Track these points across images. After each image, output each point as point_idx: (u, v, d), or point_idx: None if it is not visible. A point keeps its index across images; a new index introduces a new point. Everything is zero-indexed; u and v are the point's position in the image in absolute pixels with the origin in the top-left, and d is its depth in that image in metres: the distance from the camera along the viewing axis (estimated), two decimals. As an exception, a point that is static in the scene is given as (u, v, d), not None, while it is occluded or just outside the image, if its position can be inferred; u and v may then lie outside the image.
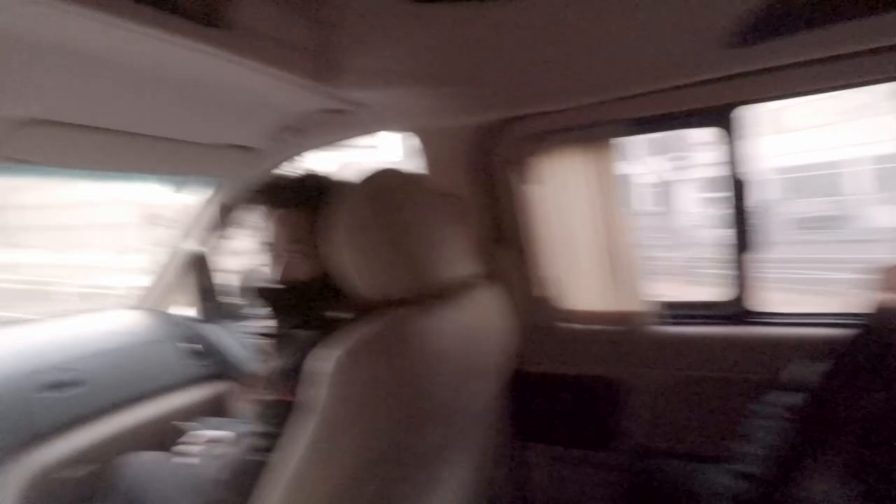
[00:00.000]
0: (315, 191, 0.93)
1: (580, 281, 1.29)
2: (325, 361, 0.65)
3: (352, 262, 0.76)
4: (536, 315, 1.36)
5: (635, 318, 1.25)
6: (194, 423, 1.27)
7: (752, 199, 1.15)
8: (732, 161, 1.15)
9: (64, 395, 1.31)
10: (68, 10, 0.59)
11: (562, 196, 1.27)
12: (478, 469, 1.01)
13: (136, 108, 1.01)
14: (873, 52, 0.88)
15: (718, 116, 1.14)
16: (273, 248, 0.94)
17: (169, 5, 0.68)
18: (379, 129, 1.30)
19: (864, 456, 0.73)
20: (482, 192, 1.33)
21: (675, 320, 1.27)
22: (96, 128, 1.05)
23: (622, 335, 1.27)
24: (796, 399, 0.81)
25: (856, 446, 0.74)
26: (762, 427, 0.88)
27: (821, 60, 0.91)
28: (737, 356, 1.16)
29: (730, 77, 0.98)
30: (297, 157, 1.47)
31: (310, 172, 0.98)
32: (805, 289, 6.02)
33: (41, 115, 0.94)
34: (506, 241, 1.35)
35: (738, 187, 1.15)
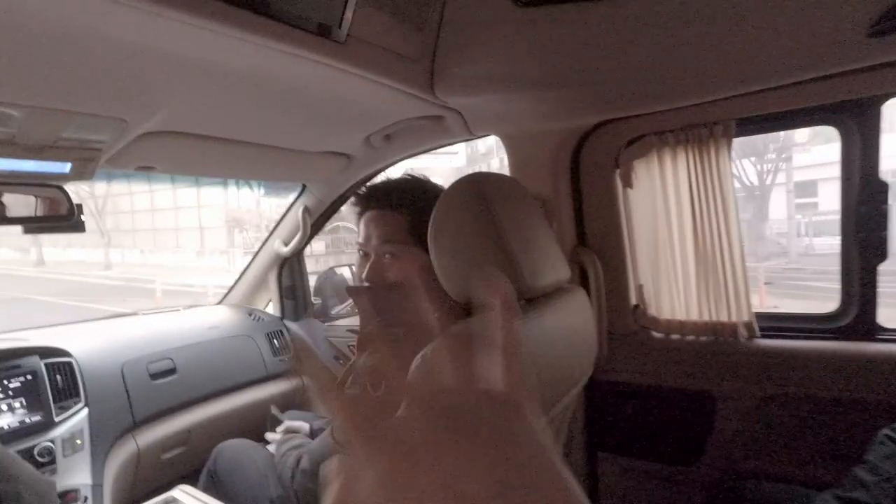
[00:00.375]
0: (409, 194, 0.94)
1: (673, 289, 1.22)
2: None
3: (444, 264, 0.76)
4: (621, 322, 1.30)
5: (730, 329, 1.16)
6: (277, 414, 1.32)
7: (886, 202, 1.03)
8: (863, 160, 1.03)
9: (161, 382, 1.41)
10: (192, 24, 0.62)
11: (659, 200, 1.20)
12: None
13: (249, 118, 1.07)
14: None
15: (848, 112, 1.03)
16: (364, 247, 0.96)
17: (290, 19, 0.70)
18: (467, 136, 1.29)
19: None
20: (570, 196, 1.29)
21: (774, 333, 1.17)
22: (210, 137, 1.12)
23: (715, 347, 1.19)
24: None
25: None
26: (889, 455, 0.79)
27: None
28: (852, 375, 1.05)
29: (870, 68, 0.89)
30: (385, 163, 1.50)
31: (406, 176, 0.99)
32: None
33: (165, 127, 1.01)
34: (592, 246, 1.30)
35: (868, 189, 1.03)
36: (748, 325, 1.15)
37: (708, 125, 1.09)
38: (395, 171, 1.50)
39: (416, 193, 0.93)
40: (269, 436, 1.30)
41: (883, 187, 1.02)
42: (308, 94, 0.96)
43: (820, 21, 0.78)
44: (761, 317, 1.18)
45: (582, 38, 0.88)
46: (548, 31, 0.88)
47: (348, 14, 0.77)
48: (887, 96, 0.98)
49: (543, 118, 1.14)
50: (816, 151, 11.70)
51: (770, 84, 0.95)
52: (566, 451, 1.18)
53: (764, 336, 1.17)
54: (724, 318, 1.16)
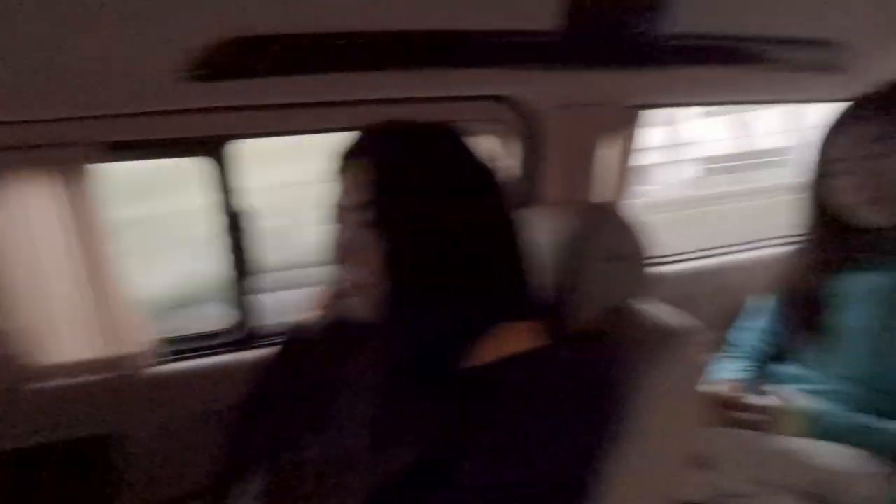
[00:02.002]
0: None
1: (57, 329, 1.05)
2: None
3: None
4: None
5: (130, 361, 1.10)
6: None
7: (249, 226, 1.19)
8: (225, 191, 1.16)
9: None
10: None
11: (26, 231, 1.00)
12: None
13: None
14: (335, 104, 1.03)
15: (208, 148, 1.12)
16: None
17: None
18: None
19: None
20: None
21: (179, 356, 1.18)
22: None
23: (116, 383, 1.10)
24: None
25: None
26: None
27: (293, 105, 1.02)
28: (246, 382, 1.19)
29: (208, 110, 0.99)
30: None
31: None
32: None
33: None
34: None
35: (232, 216, 1.17)
36: (143, 354, 1.11)
37: (64, 145, 0.96)
38: None
39: None
40: None
41: (236, 215, 1.17)
42: None
43: (145, 60, 0.80)
44: (172, 340, 1.18)
45: None
46: None
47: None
48: (230, 137, 1.11)
49: None
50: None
51: (116, 111, 0.93)
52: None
53: (173, 360, 1.16)
54: (119, 351, 1.08)
